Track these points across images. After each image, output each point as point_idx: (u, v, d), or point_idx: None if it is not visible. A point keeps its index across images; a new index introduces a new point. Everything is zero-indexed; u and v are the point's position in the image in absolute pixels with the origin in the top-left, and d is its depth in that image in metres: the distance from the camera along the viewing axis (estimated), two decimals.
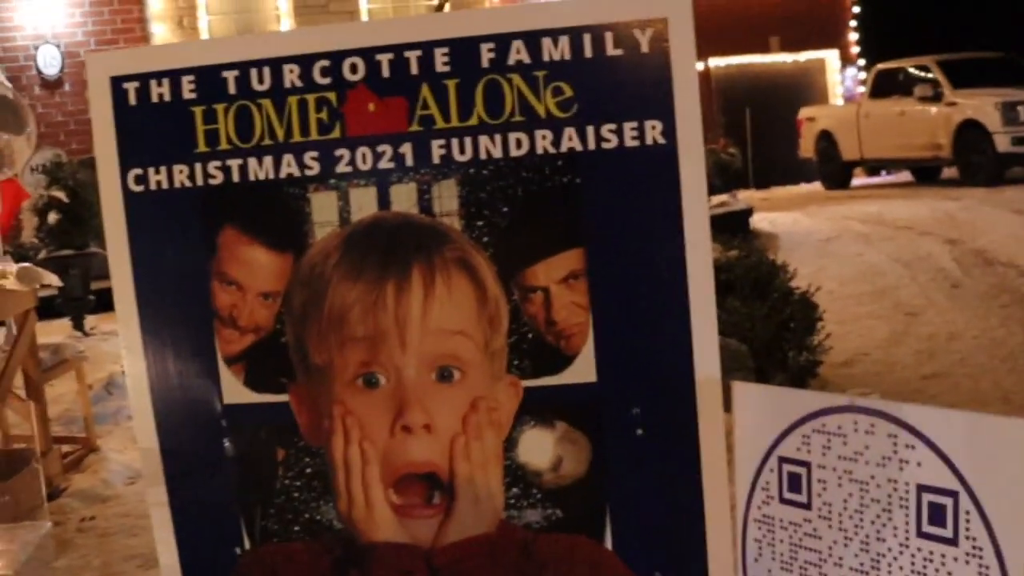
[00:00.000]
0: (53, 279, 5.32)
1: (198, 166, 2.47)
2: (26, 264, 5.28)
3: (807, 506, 2.16)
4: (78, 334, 8.92)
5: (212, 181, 2.46)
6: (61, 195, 9.21)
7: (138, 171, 2.49)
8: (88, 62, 2.55)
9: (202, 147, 2.46)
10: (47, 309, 5.64)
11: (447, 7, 11.95)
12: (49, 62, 13.20)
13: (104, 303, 8.73)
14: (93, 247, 9.18)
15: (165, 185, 2.48)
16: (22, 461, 5.01)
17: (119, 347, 2.56)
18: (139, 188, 2.49)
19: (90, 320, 9.20)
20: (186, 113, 2.46)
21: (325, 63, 2.40)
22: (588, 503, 2.44)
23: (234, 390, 2.50)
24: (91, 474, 5.48)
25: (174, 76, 2.47)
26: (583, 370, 2.39)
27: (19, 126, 6.66)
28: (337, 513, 2.47)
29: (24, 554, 2.66)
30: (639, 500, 2.43)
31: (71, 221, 9.20)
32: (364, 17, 13.72)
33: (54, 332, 8.34)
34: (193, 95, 2.46)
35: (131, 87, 2.48)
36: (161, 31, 13.50)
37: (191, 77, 2.46)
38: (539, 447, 2.43)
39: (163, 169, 2.48)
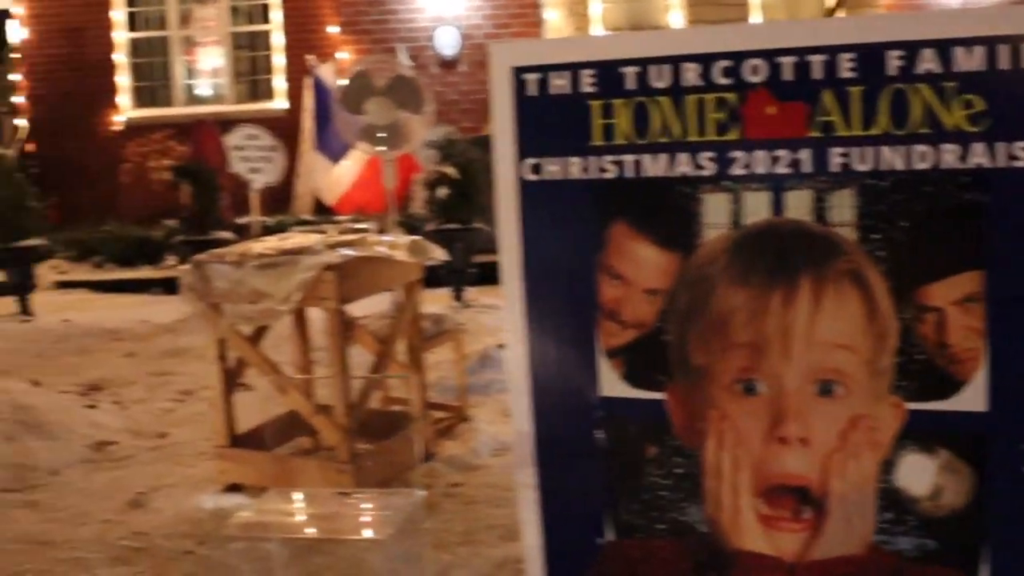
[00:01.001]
0: (440, 253, 5.53)
1: (592, 159, 2.50)
2: (417, 238, 5.51)
3: None
4: (457, 305, 9.29)
5: (605, 175, 2.49)
6: (451, 171, 9.56)
7: (534, 160, 2.55)
8: (492, 52, 2.62)
9: (597, 140, 2.50)
10: (430, 278, 5.91)
11: (839, 11, 11.58)
12: (447, 43, 13.73)
13: (483, 276, 9.07)
14: (477, 223, 9.50)
15: (559, 176, 2.53)
16: (399, 424, 5.28)
17: (495, 321, 2.64)
18: (534, 177, 2.56)
19: (469, 292, 9.56)
20: (584, 107, 2.50)
21: (726, 63, 2.37)
22: (965, 538, 2.32)
23: (611, 383, 2.53)
24: (461, 442, 5.66)
25: (574, 69, 2.50)
26: (973, 398, 2.27)
27: (417, 105, 7.03)
28: (703, 516, 2.47)
29: (397, 519, 2.81)
30: (1022, 541, 2.30)
31: (459, 196, 9.53)
32: (756, 8, 13.54)
33: (435, 301, 8.71)
34: (592, 89, 2.49)
35: (532, 78, 2.54)
36: (553, 17, 13.79)
37: (591, 71, 2.49)
38: (918, 473, 2.33)
39: (558, 160, 2.53)
